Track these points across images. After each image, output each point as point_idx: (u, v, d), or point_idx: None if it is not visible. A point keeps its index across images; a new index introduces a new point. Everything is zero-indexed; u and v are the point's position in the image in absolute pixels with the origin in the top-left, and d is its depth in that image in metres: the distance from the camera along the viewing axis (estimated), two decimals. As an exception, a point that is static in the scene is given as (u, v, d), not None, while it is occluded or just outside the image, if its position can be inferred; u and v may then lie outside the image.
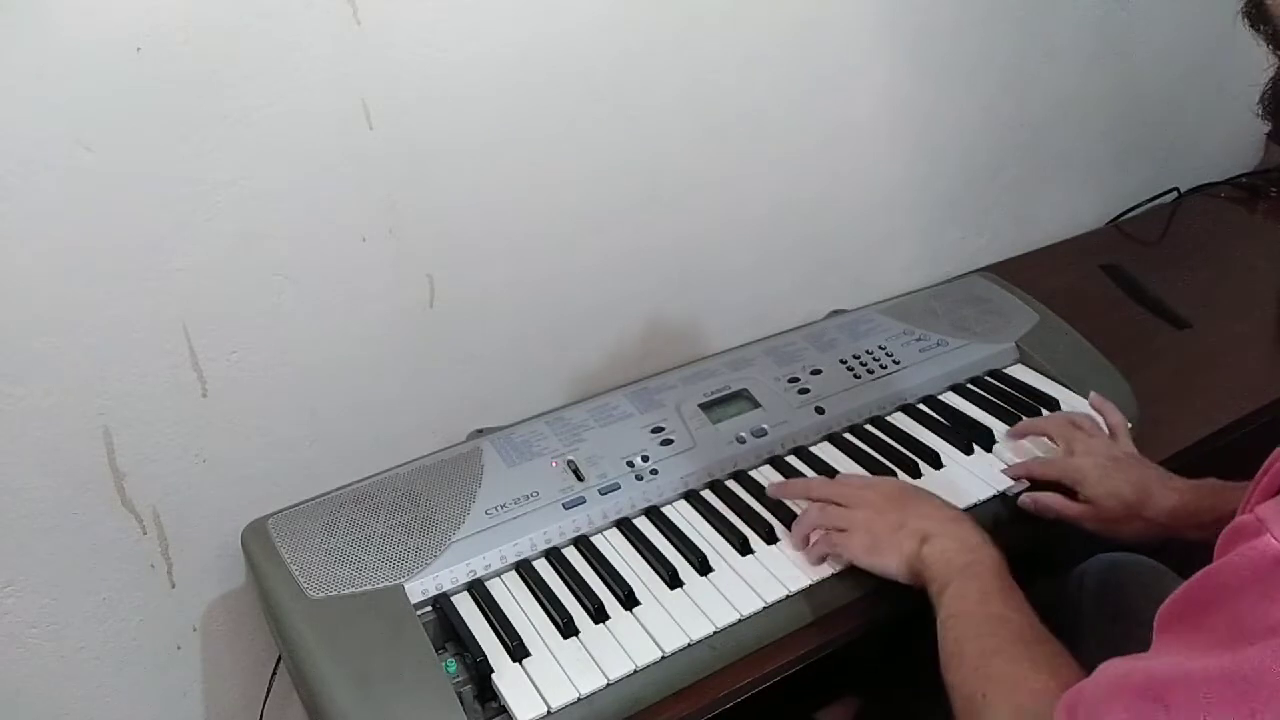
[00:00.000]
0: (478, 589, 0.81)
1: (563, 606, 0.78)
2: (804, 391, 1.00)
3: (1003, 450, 0.95)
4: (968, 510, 0.87)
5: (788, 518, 0.86)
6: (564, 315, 1.05)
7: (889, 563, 0.76)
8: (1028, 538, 0.88)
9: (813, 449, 0.96)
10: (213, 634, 0.97)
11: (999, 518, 0.89)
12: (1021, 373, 1.07)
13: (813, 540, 0.82)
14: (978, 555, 0.73)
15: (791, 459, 0.95)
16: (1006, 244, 1.41)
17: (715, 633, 0.76)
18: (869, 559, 0.77)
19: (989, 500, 0.89)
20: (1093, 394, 0.99)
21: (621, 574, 0.81)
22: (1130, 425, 0.96)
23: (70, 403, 0.81)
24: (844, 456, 0.95)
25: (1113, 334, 1.12)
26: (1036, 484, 0.89)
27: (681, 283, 1.12)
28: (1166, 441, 0.99)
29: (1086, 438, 0.90)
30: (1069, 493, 0.86)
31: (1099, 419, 0.95)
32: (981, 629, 0.67)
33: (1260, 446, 0.78)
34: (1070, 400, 1.01)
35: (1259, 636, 0.44)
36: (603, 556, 0.84)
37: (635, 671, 0.73)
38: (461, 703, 0.70)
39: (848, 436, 0.98)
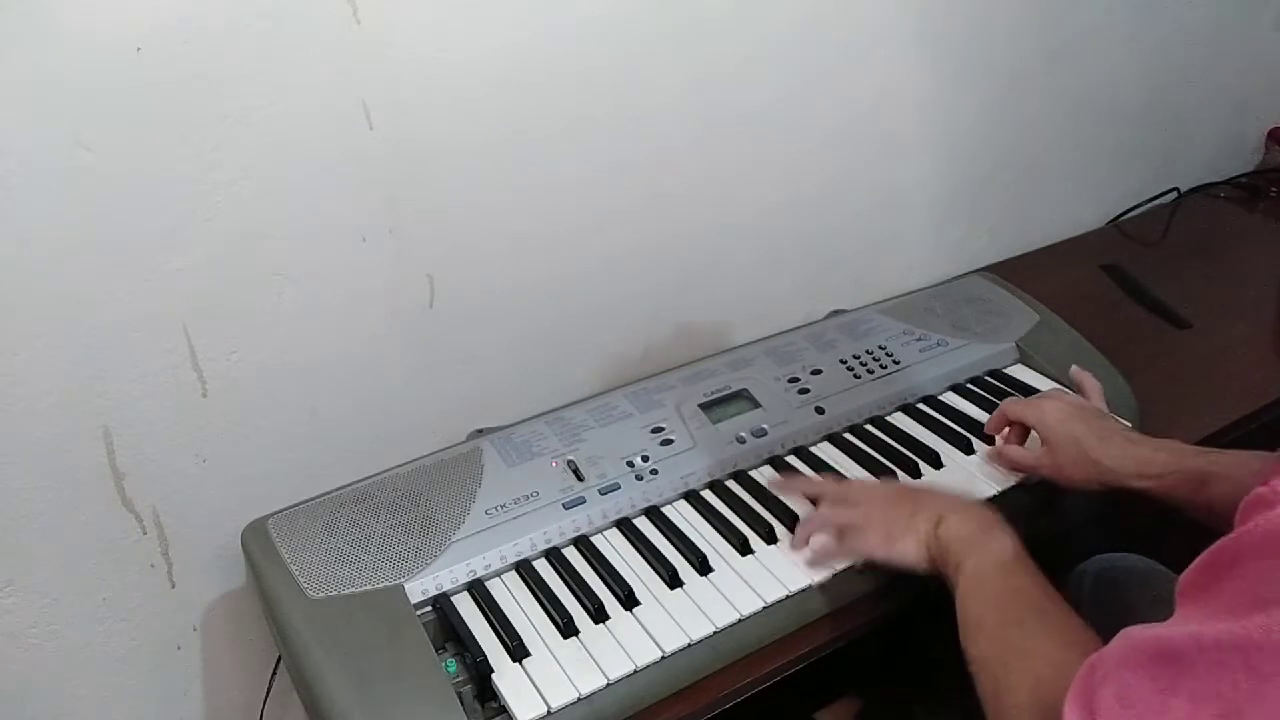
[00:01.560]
0: (478, 589, 0.81)
1: (563, 606, 0.78)
2: (804, 391, 1.00)
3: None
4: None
5: (788, 517, 0.86)
6: (564, 315, 1.05)
7: (907, 548, 0.76)
8: (1027, 538, 0.88)
9: (813, 449, 0.96)
10: (213, 634, 0.97)
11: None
12: (1021, 373, 1.07)
13: (817, 542, 0.82)
14: (993, 532, 0.73)
15: (791, 459, 0.95)
16: (1006, 244, 1.41)
17: (715, 633, 0.76)
18: (886, 549, 0.77)
19: (990, 500, 0.89)
20: (1074, 367, 1.00)
21: (621, 574, 0.81)
22: (1129, 424, 0.96)
23: (70, 403, 0.81)
24: (844, 456, 0.95)
25: (1113, 334, 1.12)
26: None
27: (681, 283, 1.12)
28: (1166, 441, 0.99)
29: (1053, 393, 0.93)
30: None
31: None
32: (1002, 600, 0.68)
33: (1260, 447, 0.78)
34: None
35: (1273, 603, 0.45)
36: (603, 556, 0.84)
37: (635, 671, 0.73)
38: (461, 703, 0.70)
39: (848, 436, 0.98)
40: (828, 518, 0.82)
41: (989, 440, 0.95)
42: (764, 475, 0.93)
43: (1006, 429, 0.94)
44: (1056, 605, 0.67)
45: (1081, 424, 0.86)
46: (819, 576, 0.80)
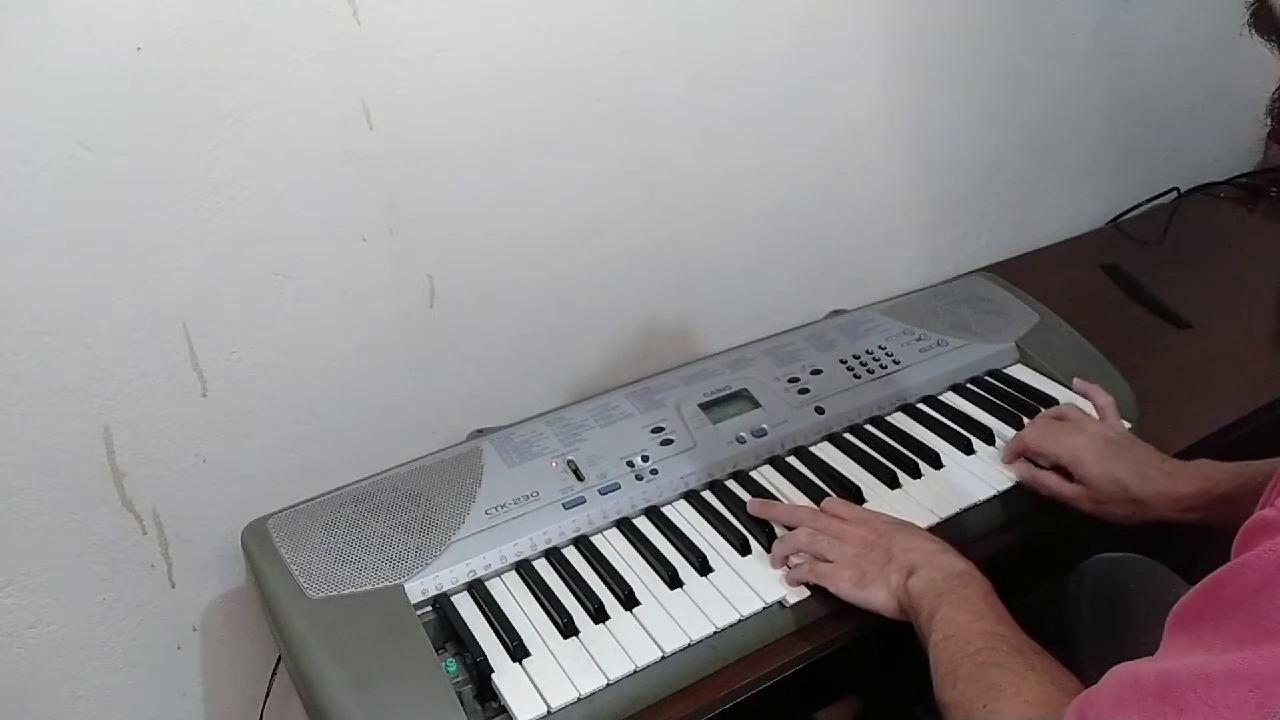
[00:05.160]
0: (478, 589, 0.81)
1: (563, 606, 0.78)
2: (804, 391, 1.00)
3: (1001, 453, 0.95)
4: (969, 510, 0.88)
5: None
6: (564, 315, 1.05)
7: (877, 596, 0.75)
8: (1028, 537, 0.89)
9: (813, 449, 0.96)
10: (213, 634, 0.97)
11: (1000, 518, 0.89)
12: (1021, 373, 1.07)
13: (794, 563, 0.81)
14: (963, 580, 0.72)
15: (791, 459, 0.95)
16: (1006, 244, 1.41)
17: (715, 633, 0.76)
18: (856, 593, 0.76)
19: (989, 500, 0.89)
20: (1076, 379, 0.99)
21: (621, 574, 0.81)
22: (1130, 425, 0.96)
23: (70, 403, 0.81)
24: (844, 456, 0.95)
25: (1113, 334, 1.12)
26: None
27: (681, 283, 1.12)
28: (1167, 442, 0.98)
29: (1077, 423, 0.91)
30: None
31: (1086, 405, 0.96)
32: (976, 644, 0.66)
33: (1261, 447, 0.78)
34: (1070, 401, 1.01)
35: None
36: (603, 556, 0.84)
37: (635, 671, 0.73)
38: (461, 703, 0.70)
39: (848, 436, 0.98)
40: (804, 544, 0.81)
41: (986, 446, 0.95)
42: (764, 475, 0.93)
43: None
44: (1035, 649, 0.65)
45: (1119, 461, 0.84)
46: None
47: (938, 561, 0.75)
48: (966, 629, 0.68)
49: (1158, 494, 0.82)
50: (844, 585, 0.77)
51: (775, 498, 0.89)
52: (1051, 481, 0.87)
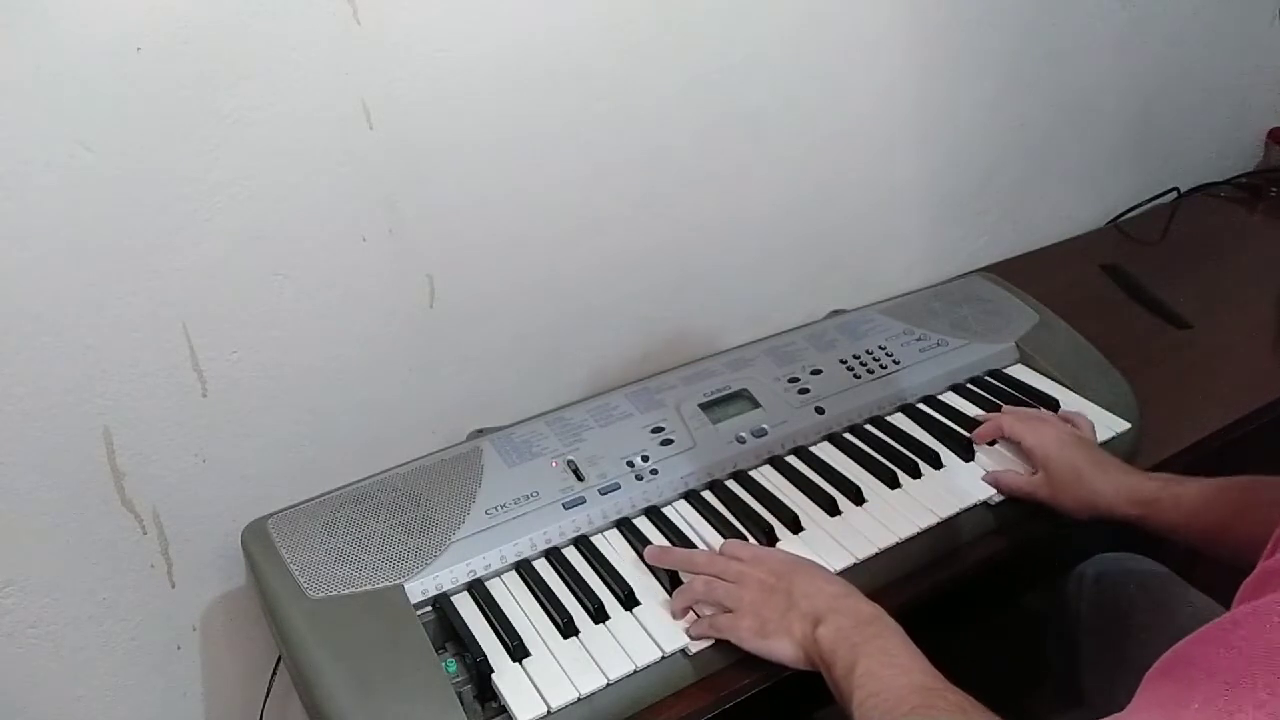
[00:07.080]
0: (478, 589, 0.81)
1: (563, 606, 0.78)
2: (804, 391, 1.00)
3: (998, 451, 0.95)
4: (969, 510, 0.88)
5: (787, 518, 0.86)
6: (563, 315, 1.05)
7: (781, 648, 0.71)
8: (1028, 537, 0.89)
9: (813, 449, 0.96)
10: (213, 634, 0.97)
11: (1000, 518, 0.89)
12: (1021, 373, 1.07)
13: (695, 616, 0.77)
14: (877, 628, 0.68)
15: (791, 459, 0.95)
16: (1006, 244, 1.41)
17: (715, 633, 0.76)
18: (758, 643, 0.72)
19: (990, 500, 0.89)
20: (1062, 409, 0.99)
21: (622, 574, 0.81)
22: (1129, 425, 0.96)
23: (70, 403, 0.81)
24: (844, 456, 0.95)
25: (1113, 334, 1.12)
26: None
27: (681, 283, 1.12)
28: (1167, 441, 0.99)
29: (1052, 421, 0.93)
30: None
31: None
32: (910, 702, 0.61)
33: (1260, 447, 0.78)
34: (1070, 400, 1.01)
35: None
36: (603, 556, 0.84)
37: (635, 671, 0.73)
38: (461, 703, 0.71)
39: (848, 436, 0.98)
40: (700, 593, 0.76)
41: (982, 441, 0.95)
42: (764, 475, 0.93)
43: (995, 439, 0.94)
44: (974, 703, 0.60)
45: (1080, 452, 0.86)
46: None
47: (843, 606, 0.70)
48: (893, 685, 0.63)
49: (1112, 485, 0.83)
50: (745, 635, 0.73)
51: (776, 498, 0.89)
52: (1010, 478, 0.89)
